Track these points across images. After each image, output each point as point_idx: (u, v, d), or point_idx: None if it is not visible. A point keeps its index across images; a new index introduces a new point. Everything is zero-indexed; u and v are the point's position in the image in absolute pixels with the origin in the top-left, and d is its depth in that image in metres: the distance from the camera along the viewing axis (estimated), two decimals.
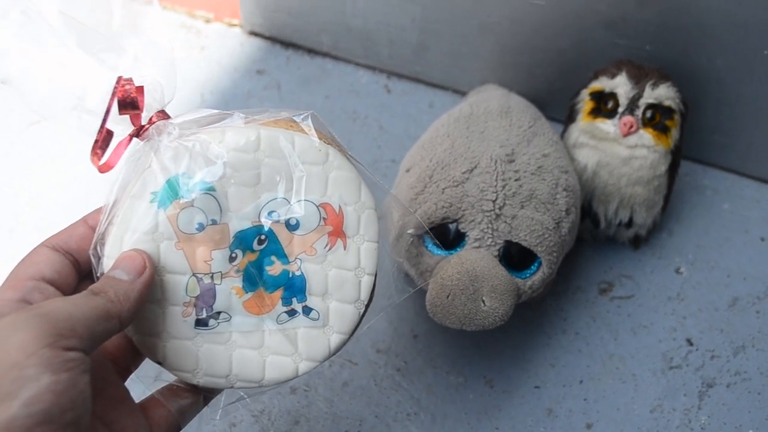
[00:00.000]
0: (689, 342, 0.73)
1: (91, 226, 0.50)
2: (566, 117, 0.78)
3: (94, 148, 0.48)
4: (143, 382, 0.53)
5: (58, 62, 0.47)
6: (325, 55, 0.94)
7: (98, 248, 0.49)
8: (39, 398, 0.39)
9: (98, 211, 0.50)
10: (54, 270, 0.47)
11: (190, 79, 0.92)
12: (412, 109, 0.90)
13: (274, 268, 0.51)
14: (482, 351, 0.73)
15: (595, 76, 0.75)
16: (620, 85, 0.73)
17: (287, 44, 0.95)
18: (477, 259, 0.62)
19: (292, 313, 0.52)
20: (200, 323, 0.51)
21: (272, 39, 0.96)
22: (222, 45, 0.96)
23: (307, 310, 0.52)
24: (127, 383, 0.52)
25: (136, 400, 0.51)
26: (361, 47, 0.91)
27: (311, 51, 0.95)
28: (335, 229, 0.51)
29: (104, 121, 0.48)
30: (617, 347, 0.73)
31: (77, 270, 0.49)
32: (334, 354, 0.53)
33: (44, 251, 0.48)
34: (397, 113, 0.90)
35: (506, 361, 0.72)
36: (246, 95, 0.91)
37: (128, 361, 0.52)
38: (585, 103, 0.75)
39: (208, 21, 0.98)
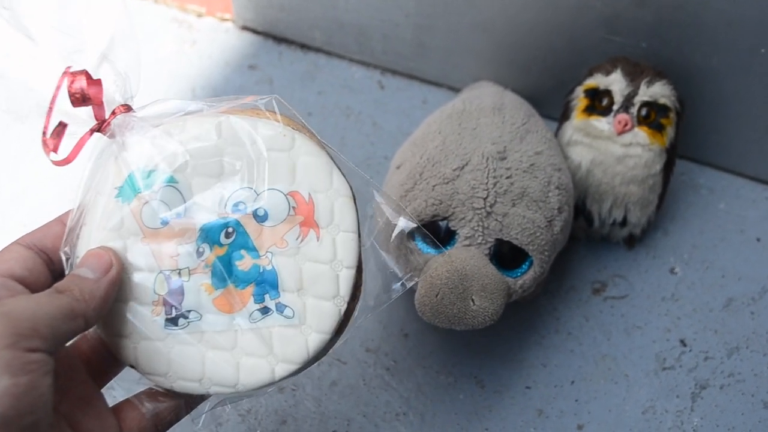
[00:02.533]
0: (683, 343, 0.72)
1: (66, 225, 0.49)
2: (560, 114, 0.77)
3: (43, 139, 0.47)
4: (122, 387, 0.52)
5: (18, 55, 0.46)
6: (318, 50, 0.93)
7: (68, 247, 0.48)
8: None
9: (68, 213, 0.49)
10: (25, 267, 0.46)
11: (181, 74, 0.91)
12: (405, 105, 0.89)
13: (244, 262, 0.49)
14: (473, 350, 0.72)
15: (590, 73, 0.74)
16: (615, 83, 0.72)
17: (280, 39, 0.94)
18: (467, 257, 0.61)
19: (265, 310, 0.49)
20: (170, 322, 0.49)
21: (264, 34, 0.95)
22: (213, 40, 0.95)
23: (280, 308, 0.49)
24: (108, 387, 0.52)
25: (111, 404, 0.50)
26: (355, 43, 0.90)
27: (304, 46, 0.94)
28: (306, 218, 0.49)
29: (49, 110, 0.47)
30: (610, 348, 0.72)
31: (50, 269, 0.48)
32: (314, 356, 0.50)
33: (16, 248, 0.47)
34: (390, 110, 0.89)
35: (497, 360, 0.71)
36: (238, 90, 0.90)
37: (104, 364, 0.51)
38: (579, 100, 0.74)
39: (199, 15, 0.96)
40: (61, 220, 0.49)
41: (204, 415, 0.53)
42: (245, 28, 0.95)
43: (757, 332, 0.73)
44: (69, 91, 0.46)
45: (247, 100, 0.50)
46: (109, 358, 0.51)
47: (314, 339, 0.49)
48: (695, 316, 0.74)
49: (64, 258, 0.48)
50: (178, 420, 0.52)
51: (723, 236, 0.79)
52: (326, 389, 0.70)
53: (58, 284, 0.45)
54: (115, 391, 0.52)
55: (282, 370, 0.49)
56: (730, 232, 0.79)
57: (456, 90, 0.89)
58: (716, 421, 0.68)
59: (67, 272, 0.48)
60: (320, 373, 0.70)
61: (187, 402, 0.52)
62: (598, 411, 0.69)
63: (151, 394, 0.51)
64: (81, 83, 0.46)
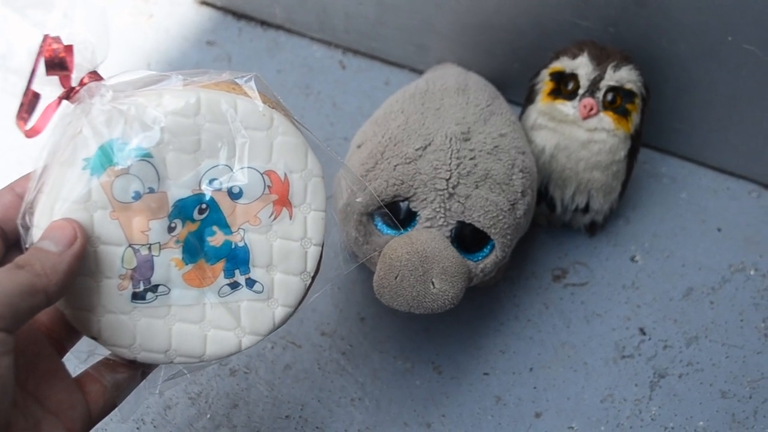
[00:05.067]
0: (642, 331, 0.72)
1: (18, 194, 0.47)
2: (525, 98, 0.75)
3: (20, 111, 0.45)
4: (77, 358, 0.51)
5: None
6: (278, 27, 0.91)
7: (27, 218, 0.46)
8: None
9: (26, 178, 0.47)
10: None
11: (135, 48, 0.89)
12: (367, 86, 0.87)
13: (216, 238, 0.49)
14: (431, 336, 0.71)
15: (556, 56, 0.73)
16: (581, 66, 0.71)
17: (239, 15, 0.92)
18: (428, 239, 0.60)
19: (234, 285, 0.50)
20: (137, 296, 0.48)
21: (224, 9, 0.92)
22: (171, 13, 0.92)
23: (250, 283, 0.50)
24: (64, 359, 0.50)
25: (72, 376, 0.49)
26: (316, 20, 0.88)
27: (264, 23, 0.91)
28: (280, 197, 0.49)
29: (30, 82, 0.45)
30: (569, 335, 0.71)
31: (4, 240, 0.46)
32: (278, 327, 0.51)
33: None
34: (351, 90, 0.87)
35: (455, 346, 0.70)
36: (195, 67, 0.87)
37: (64, 335, 0.50)
38: (545, 83, 0.73)
39: None
40: (12, 188, 0.47)
41: (160, 384, 0.52)
42: (204, 2, 0.93)
43: (716, 322, 0.72)
44: (45, 56, 0.44)
45: (225, 76, 0.49)
46: (68, 329, 0.49)
47: (280, 312, 0.51)
48: (655, 304, 0.73)
49: (21, 230, 0.46)
50: (135, 387, 0.51)
51: (684, 226, 0.78)
52: (280, 373, 0.68)
53: (19, 259, 0.43)
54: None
55: (248, 341, 0.50)
56: (691, 222, 0.79)
57: (419, 72, 0.87)
58: (674, 410, 0.68)
59: (25, 245, 0.46)
60: (274, 357, 0.69)
61: (143, 370, 0.52)
62: (557, 399, 0.68)
63: (109, 365, 0.50)
64: (59, 48, 0.45)
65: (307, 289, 0.51)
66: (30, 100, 0.45)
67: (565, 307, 0.73)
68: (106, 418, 0.64)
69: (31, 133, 0.46)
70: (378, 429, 0.66)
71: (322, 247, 0.51)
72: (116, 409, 0.51)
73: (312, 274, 0.51)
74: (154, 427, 0.65)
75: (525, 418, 0.67)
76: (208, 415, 0.66)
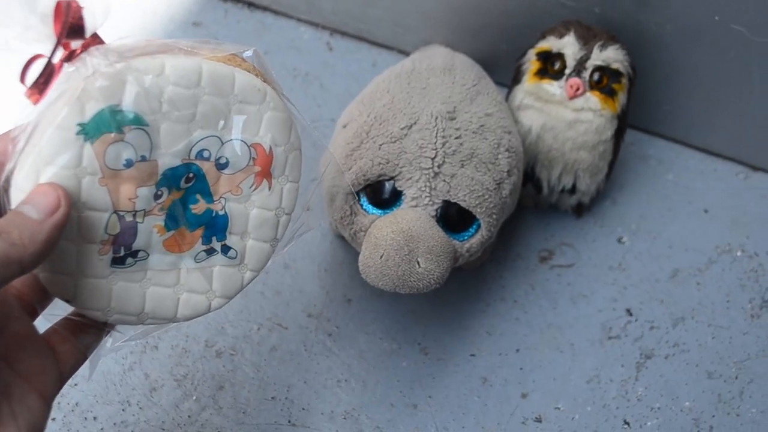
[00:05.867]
0: (629, 312, 0.71)
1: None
2: (512, 78, 0.75)
3: (37, 83, 0.44)
4: (47, 319, 0.50)
5: None
6: (265, 9, 0.90)
7: (9, 178, 0.44)
8: None
9: (3, 137, 0.45)
10: None
11: (122, 29, 0.88)
12: (354, 68, 0.87)
13: (198, 206, 0.49)
14: (417, 317, 0.70)
15: (543, 36, 0.72)
16: (568, 46, 0.70)
17: None
18: (413, 218, 0.60)
19: (210, 251, 0.50)
20: (117, 261, 0.48)
21: None
22: None
23: (225, 249, 0.51)
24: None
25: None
26: (304, 2, 0.87)
27: (251, 4, 0.91)
28: (263, 169, 0.50)
29: (54, 51, 0.43)
30: (556, 316, 0.71)
31: None
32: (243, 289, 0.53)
33: None
34: (338, 72, 0.86)
35: (442, 328, 0.70)
36: None
37: (35, 298, 0.48)
38: (531, 63, 0.72)
39: None
40: None
41: (120, 343, 0.52)
42: None
43: (703, 303, 0.72)
44: (70, 24, 0.43)
45: (227, 47, 0.49)
46: (40, 292, 0.48)
47: (249, 276, 0.52)
48: (642, 285, 0.73)
49: (2, 191, 0.44)
50: (99, 343, 0.51)
51: (671, 207, 0.78)
52: (266, 354, 0.68)
53: None
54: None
55: (217, 303, 0.52)
56: (677, 203, 0.78)
57: (406, 53, 0.86)
58: (660, 390, 0.68)
59: (6, 206, 0.44)
60: (260, 338, 0.68)
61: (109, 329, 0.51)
62: (543, 380, 0.68)
63: (77, 324, 0.49)
64: (79, 12, 0.43)
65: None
66: (49, 71, 0.44)
67: (552, 288, 0.73)
68: (91, 400, 0.64)
69: (35, 99, 0.44)
70: (364, 410, 0.66)
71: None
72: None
73: (279, 241, 0.52)
74: (140, 408, 0.65)
75: (511, 399, 0.67)
76: (194, 397, 0.66)
